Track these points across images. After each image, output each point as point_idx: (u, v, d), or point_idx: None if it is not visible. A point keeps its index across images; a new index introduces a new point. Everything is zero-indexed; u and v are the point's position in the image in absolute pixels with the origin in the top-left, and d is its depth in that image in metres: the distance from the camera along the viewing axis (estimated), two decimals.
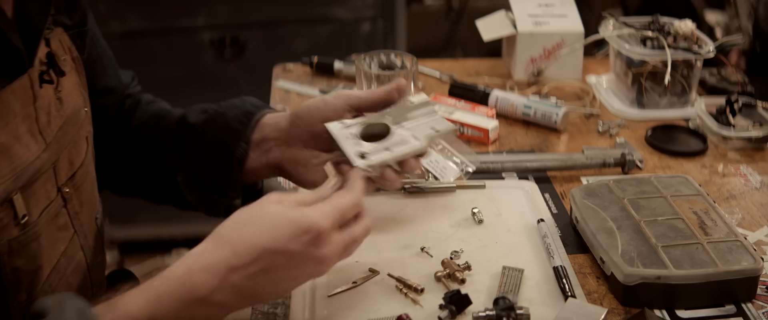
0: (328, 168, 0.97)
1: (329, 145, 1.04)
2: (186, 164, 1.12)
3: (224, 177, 1.10)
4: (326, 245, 0.86)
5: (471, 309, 0.93)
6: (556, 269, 1.01)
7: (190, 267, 0.84)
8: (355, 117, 1.05)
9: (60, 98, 0.95)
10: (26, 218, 0.88)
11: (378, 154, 1.00)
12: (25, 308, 0.89)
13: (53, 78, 0.94)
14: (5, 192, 0.85)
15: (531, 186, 1.21)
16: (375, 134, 1.04)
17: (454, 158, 1.19)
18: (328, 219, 0.86)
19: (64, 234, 0.96)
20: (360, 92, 1.06)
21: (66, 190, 0.96)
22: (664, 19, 1.48)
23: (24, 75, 0.88)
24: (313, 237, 0.85)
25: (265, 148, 1.09)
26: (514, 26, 1.58)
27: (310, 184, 0.93)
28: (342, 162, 1.00)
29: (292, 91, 1.56)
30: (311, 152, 1.06)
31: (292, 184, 1.13)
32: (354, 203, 0.90)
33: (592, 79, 1.60)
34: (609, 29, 1.51)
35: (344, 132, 1.01)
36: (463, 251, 1.05)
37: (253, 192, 1.16)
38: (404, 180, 1.18)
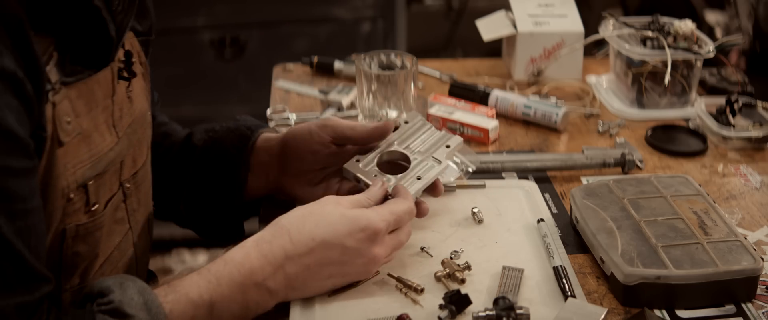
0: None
1: (322, 166, 1.10)
2: (187, 193, 1.15)
3: (226, 202, 1.13)
4: (379, 245, 0.93)
5: (471, 309, 0.93)
6: (556, 269, 1.01)
7: (249, 253, 0.90)
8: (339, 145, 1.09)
9: (130, 97, 0.98)
10: (96, 206, 0.91)
11: (413, 185, 1.04)
12: (76, 293, 0.92)
13: (127, 77, 0.97)
14: (82, 177, 0.88)
15: (531, 186, 1.21)
16: (388, 161, 1.09)
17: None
18: (385, 222, 0.93)
19: (120, 227, 0.99)
20: (345, 126, 1.08)
21: (127, 186, 0.99)
22: (664, 19, 1.48)
23: (107, 67, 0.92)
24: (368, 236, 0.92)
25: (262, 171, 1.13)
26: (514, 26, 1.58)
27: (308, 203, 0.96)
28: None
29: (292, 91, 1.56)
30: (305, 175, 1.11)
31: None
32: (409, 210, 0.97)
33: (592, 79, 1.60)
34: (609, 29, 1.50)
35: (366, 171, 1.05)
36: (463, 251, 1.05)
37: (252, 210, 1.18)
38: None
